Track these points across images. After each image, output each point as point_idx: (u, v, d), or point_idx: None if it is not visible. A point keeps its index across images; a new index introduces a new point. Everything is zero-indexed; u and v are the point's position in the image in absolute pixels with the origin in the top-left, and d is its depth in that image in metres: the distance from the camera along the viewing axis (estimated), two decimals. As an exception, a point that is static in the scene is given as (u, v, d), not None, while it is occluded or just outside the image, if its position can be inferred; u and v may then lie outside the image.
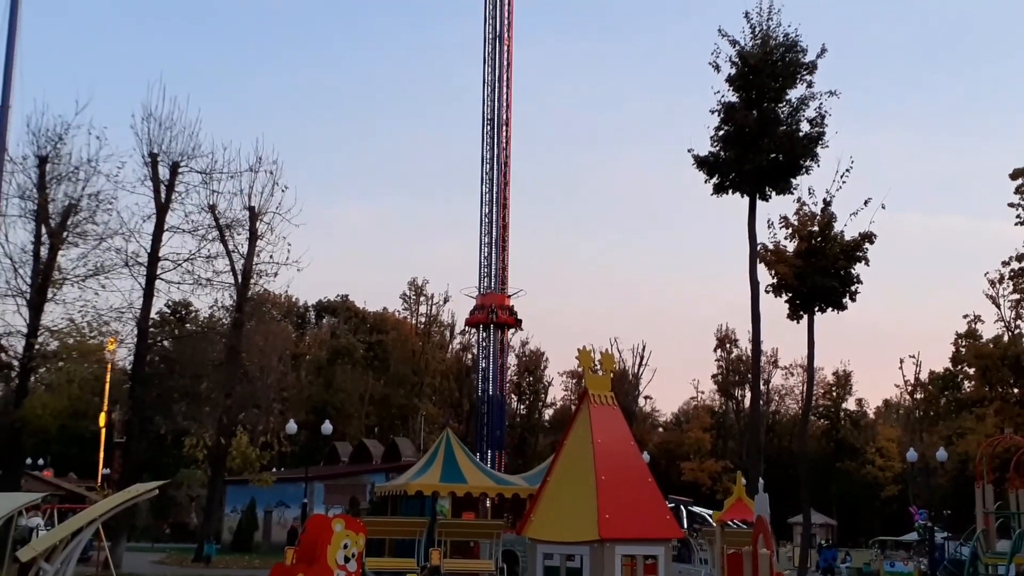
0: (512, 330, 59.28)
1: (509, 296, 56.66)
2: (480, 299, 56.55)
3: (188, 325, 49.26)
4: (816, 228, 30.50)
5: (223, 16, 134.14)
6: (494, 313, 55.53)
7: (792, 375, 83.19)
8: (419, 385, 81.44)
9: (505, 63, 57.86)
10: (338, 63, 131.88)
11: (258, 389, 37.31)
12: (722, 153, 30.62)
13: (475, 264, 57.33)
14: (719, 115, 30.76)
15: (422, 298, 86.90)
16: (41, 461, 62.88)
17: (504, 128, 57.22)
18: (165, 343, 40.02)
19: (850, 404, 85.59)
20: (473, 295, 57.46)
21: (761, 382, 61.84)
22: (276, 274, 37.14)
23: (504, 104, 57.43)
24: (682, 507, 40.84)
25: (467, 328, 69.34)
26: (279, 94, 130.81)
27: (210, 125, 62.24)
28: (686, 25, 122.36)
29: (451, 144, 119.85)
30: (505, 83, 57.67)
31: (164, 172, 33.76)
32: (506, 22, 58.21)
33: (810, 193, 31.18)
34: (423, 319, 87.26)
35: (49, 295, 30.97)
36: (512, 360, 77.04)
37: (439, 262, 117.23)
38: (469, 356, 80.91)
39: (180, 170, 33.90)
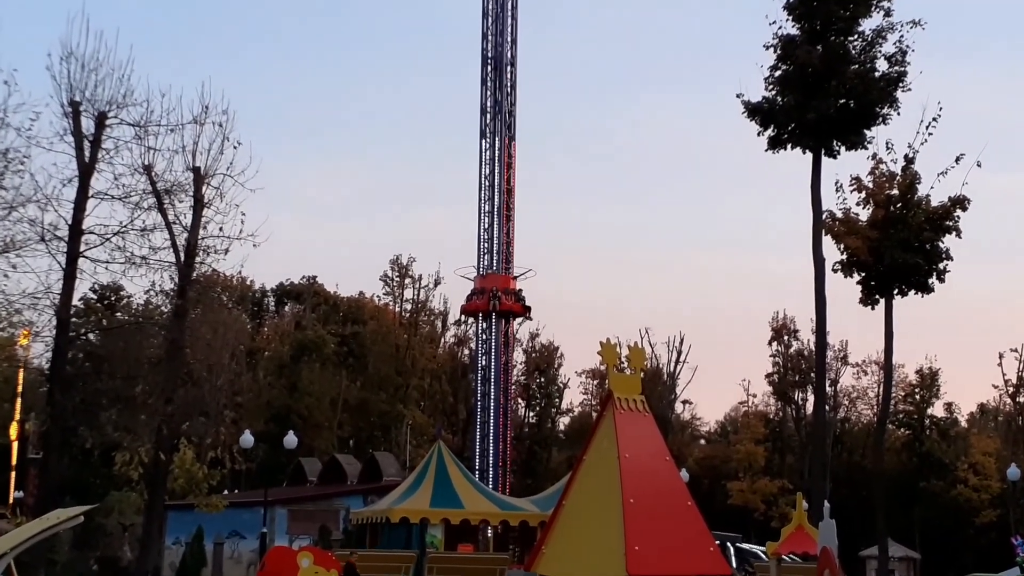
0: (519, 320, 59.19)
1: (515, 277, 56.36)
2: (479, 281, 56.12)
3: (119, 314, 49.40)
4: (895, 191, 30.53)
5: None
6: (496, 299, 54.96)
7: (865, 374, 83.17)
8: (404, 388, 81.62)
9: (510, -12, 57.82)
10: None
11: (206, 393, 37.40)
12: (779, 99, 30.70)
13: (473, 238, 57.23)
14: (775, 51, 30.79)
15: (407, 280, 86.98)
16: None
17: (508, 69, 57.16)
18: (91, 336, 40.16)
19: (937, 409, 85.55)
20: (470, 276, 57.12)
21: (827, 383, 62.00)
22: (227, 251, 37.01)
23: (508, 39, 57.38)
24: (728, 544, 41.05)
25: (463, 318, 69.20)
26: (229, 28, 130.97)
27: (144, 66, 61.67)
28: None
29: (443, 91, 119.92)
30: (509, 13, 57.58)
31: (88, 124, 33.78)
32: (510, -64, 58.07)
33: (888, 148, 31.18)
34: (409, 306, 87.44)
35: (-53, 278, 31.08)
36: (519, 356, 77.22)
37: (429, 236, 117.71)
38: (466, 352, 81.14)
39: (108, 122, 33.93)
